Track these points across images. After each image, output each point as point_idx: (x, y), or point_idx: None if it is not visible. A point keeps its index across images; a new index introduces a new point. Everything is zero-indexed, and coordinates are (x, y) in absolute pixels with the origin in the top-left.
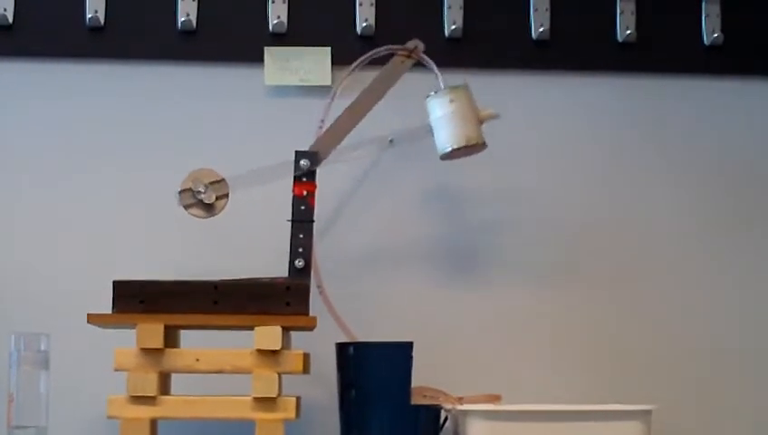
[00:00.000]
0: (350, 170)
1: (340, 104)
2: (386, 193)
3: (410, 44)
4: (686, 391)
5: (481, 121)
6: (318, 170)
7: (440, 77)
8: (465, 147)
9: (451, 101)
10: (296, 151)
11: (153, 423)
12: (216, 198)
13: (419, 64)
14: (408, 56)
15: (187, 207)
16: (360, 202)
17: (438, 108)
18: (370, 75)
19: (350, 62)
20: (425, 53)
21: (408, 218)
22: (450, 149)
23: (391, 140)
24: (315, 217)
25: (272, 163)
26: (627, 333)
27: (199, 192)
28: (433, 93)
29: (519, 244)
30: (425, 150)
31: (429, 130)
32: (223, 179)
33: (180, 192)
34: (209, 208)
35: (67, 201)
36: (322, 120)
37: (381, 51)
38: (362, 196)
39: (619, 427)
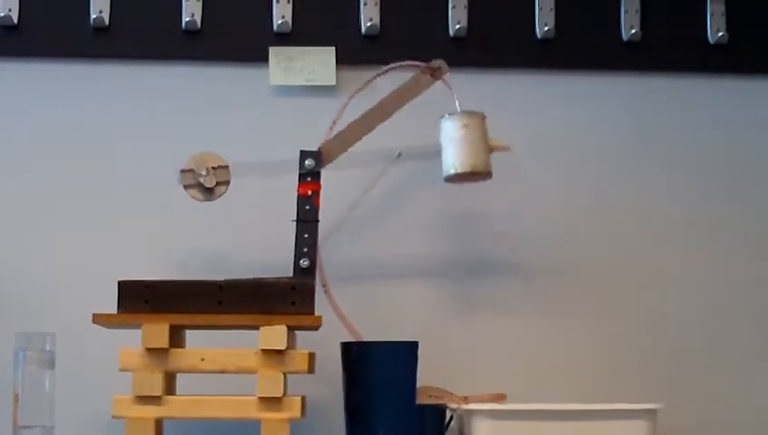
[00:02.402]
0: (358, 174)
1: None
2: (393, 194)
3: (435, 63)
4: (690, 391)
5: (490, 151)
6: (327, 174)
7: (458, 100)
8: (471, 174)
9: (465, 126)
10: (301, 151)
11: (158, 423)
12: (217, 184)
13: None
14: (432, 75)
15: (186, 187)
16: (368, 202)
17: (451, 130)
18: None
19: (355, 62)
20: (428, 52)
21: (414, 219)
22: (454, 172)
23: (399, 154)
24: (322, 219)
25: (276, 158)
26: (631, 331)
27: (201, 175)
28: (448, 115)
29: (522, 244)
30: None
31: (438, 150)
32: (226, 166)
33: (182, 171)
34: (208, 192)
35: (72, 201)
36: (334, 121)
37: (406, 65)
38: (370, 197)
39: (624, 426)
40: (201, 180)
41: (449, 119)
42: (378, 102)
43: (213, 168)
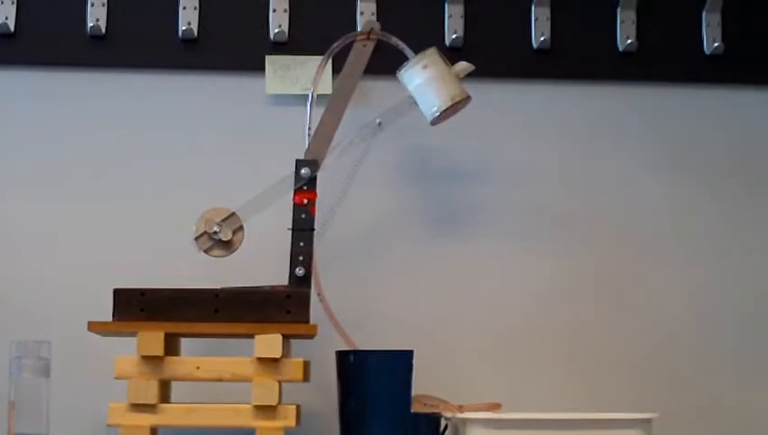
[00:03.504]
0: (340, 166)
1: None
2: (386, 199)
3: (366, 26)
4: (686, 400)
5: (458, 76)
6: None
7: (407, 49)
8: (452, 106)
9: (424, 66)
10: (297, 160)
11: (153, 431)
12: (233, 233)
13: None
14: (368, 38)
15: (207, 251)
16: (358, 203)
17: (416, 76)
18: (374, 85)
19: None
20: None
21: (411, 223)
22: (438, 112)
23: (380, 123)
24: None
25: (273, 172)
26: (628, 341)
27: (215, 232)
28: (404, 65)
29: (521, 251)
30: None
31: (413, 102)
32: (233, 213)
33: (196, 238)
34: (228, 245)
35: (68, 208)
36: (309, 127)
37: (345, 41)
38: (358, 198)
39: None
40: (217, 238)
41: (408, 68)
42: (335, 86)
43: (222, 220)
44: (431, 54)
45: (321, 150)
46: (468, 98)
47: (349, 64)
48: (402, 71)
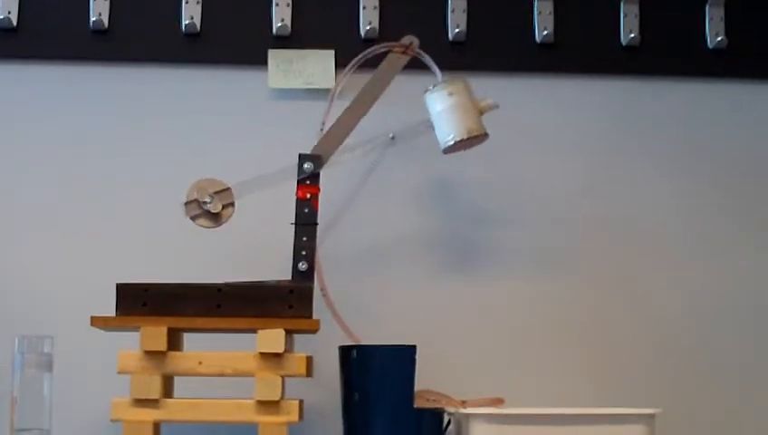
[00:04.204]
0: (351, 171)
1: (341, 105)
2: (389, 195)
3: (406, 40)
4: (688, 395)
5: (481, 112)
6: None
7: (438, 71)
8: (468, 139)
9: (450, 94)
10: (300, 154)
11: (156, 426)
12: (223, 208)
13: (418, 64)
14: (404, 52)
15: (193, 218)
16: (363, 204)
17: (438, 102)
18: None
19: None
20: (428, 55)
21: (413, 222)
22: (453, 142)
23: (393, 137)
24: (318, 217)
25: (276, 166)
26: (630, 336)
27: (205, 202)
28: (431, 87)
29: (523, 249)
30: (426, 146)
31: (430, 126)
32: (228, 188)
33: (186, 203)
34: (216, 218)
35: (70, 203)
36: (323, 123)
37: (379, 49)
38: (365, 197)
39: (622, 430)
40: (207, 208)
41: (434, 91)
42: (359, 92)
43: (215, 192)
44: (459, 83)
45: (330, 149)
46: (486, 135)
47: (380, 71)
48: (428, 93)
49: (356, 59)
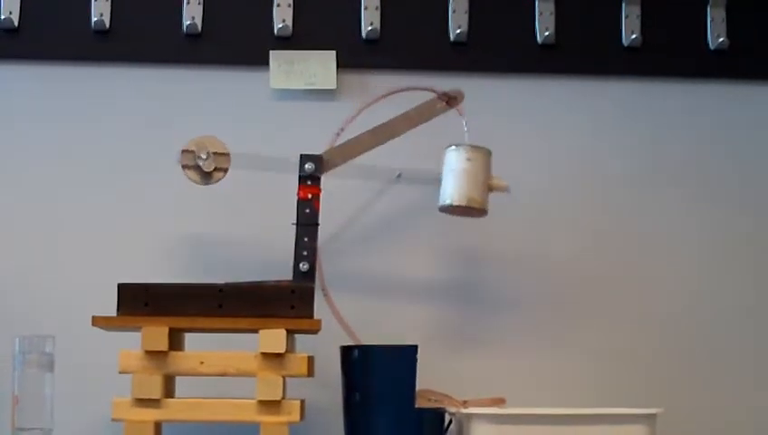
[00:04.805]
0: (358, 185)
1: (346, 106)
2: (392, 198)
3: (453, 92)
4: (689, 395)
5: (490, 189)
6: (329, 181)
7: (467, 133)
8: (466, 208)
9: (468, 159)
10: (301, 155)
11: (158, 426)
12: (215, 169)
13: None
14: (447, 103)
15: (184, 167)
16: (367, 205)
17: (455, 161)
18: (378, 79)
19: (356, 66)
20: (429, 56)
21: (414, 220)
22: (449, 203)
23: (399, 175)
24: (322, 224)
25: (277, 167)
26: (631, 336)
27: (200, 157)
28: (455, 146)
29: (523, 247)
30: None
31: (438, 177)
32: (227, 153)
33: (183, 151)
34: (205, 176)
35: (72, 203)
36: (342, 129)
37: (424, 87)
38: (371, 200)
39: (623, 430)
40: (200, 163)
41: (455, 149)
42: (388, 120)
43: (213, 153)
44: (481, 153)
45: (337, 160)
46: (484, 212)
47: (416, 110)
48: (450, 149)
49: (400, 88)
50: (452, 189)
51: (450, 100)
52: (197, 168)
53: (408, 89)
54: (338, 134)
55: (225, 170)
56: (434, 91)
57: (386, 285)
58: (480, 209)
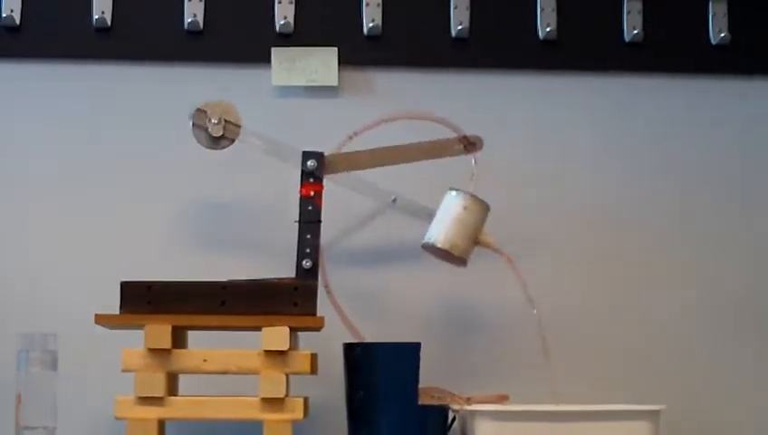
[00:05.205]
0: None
1: (347, 103)
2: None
3: (474, 138)
4: (692, 392)
5: (477, 243)
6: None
7: (475, 181)
8: (448, 253)
9: (465, 208)
10: (303, 152)
11: (161, 424)
12: (222, 136)
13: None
14: (465, 147)
15: (195, 125)
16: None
17: (451, 205)
18: (380, 76)
19: (357, 63)
20: (430, 53)
21: (416, 217)
22: (432, 244)
23: (394, 200)
24: (323, 220)
25: (279, 163)
26: (634, 333)
27: (211, 120)
28: (456, 190)
29: (526, 243)
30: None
31: (431, 214)
32: (240, 126)
33: (197, 110)
34: (212, 140)
35: (74, 201)
36: (356, 133)
37: (448, 123)
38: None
39: (627, 427)
40: (208, 126)
41: (455, 195)
42: (402, 145)
43: (226, 120)
44: (479, 206)
45: (338, 167)
46: (464, 263)
47: (434, 143)
48: (451, 191)
49: (429, 117)
50: (439, 231)
51: (469, 145)
52: (205, 130)
53: (435, 120)
54: (350, 138)
55: (232, 140)
56: (457, 132)
57: (388, 283)
58: (460, 258)
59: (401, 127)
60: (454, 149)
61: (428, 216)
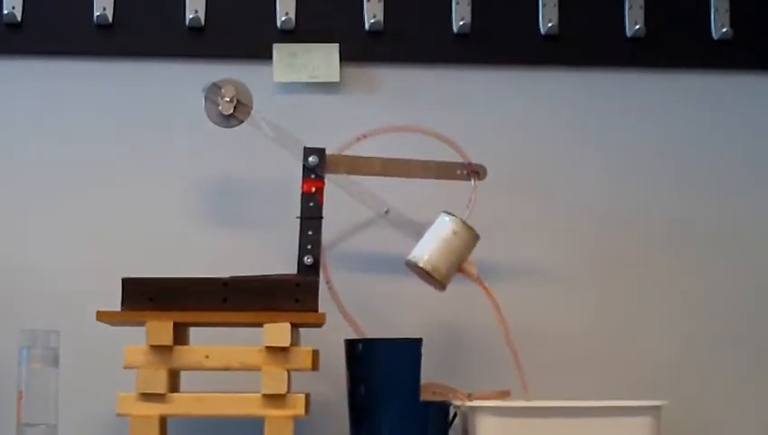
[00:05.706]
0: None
1: (349, 99)
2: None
3: (477, 166)
4: (694, 388)
5: (460, 270)
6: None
7: (471, 208)
8: (428, 274)
9: (454, 232)
10: (305, 148)
11: (163, 420)
12: (232, 114)
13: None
14: (467, 174)
15: (206, 98)
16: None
17: (441, 228)
18: (381, 72)
19: (359, 59)
20: (432, 48)
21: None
22: (414, 262)
23: (387, 211)
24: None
25: (281, 160)
26: (636, 329)
27: (223, 97)
28: (449, 214)
29: (529, 240)
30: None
31: (421, 232)
32: (251, 108)
33: (213, 84)
34: (221, 118)
35: (75, 198)
36: (364, 135)
37: (457, 147)
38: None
39: (628, 423)
40: (220, 103)
41: (447, 218)
42: (406, 160)
43: (239, 101)
44: (468, 233)
45: (342, 169)
46: (443, 287)
47: (438, 164)
48: (445, 214)
49: (438, 135)
50: (424, 251)
51: (473, 173)
52: (216, 106)
53: (445, 140)
54: (358, 139)
55: (241, 121)
56: (464, 158)
57: (390, 279)
58: (440, 282)
59: (402, 133)
60: (457, 173)
61: (416, 234)
